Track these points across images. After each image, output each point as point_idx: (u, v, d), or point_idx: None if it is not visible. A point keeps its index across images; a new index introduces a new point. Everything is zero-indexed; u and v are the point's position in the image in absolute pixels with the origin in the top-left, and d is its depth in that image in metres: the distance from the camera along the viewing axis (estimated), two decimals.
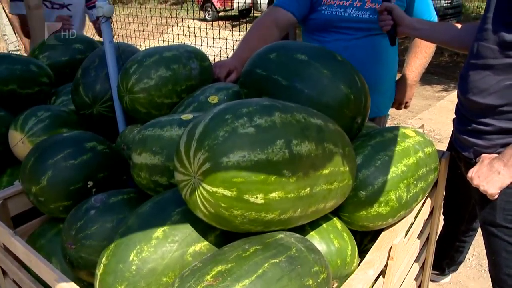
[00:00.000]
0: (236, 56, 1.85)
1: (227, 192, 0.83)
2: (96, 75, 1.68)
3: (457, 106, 1.60)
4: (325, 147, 0.93)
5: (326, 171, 0.93)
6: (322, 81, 1.17)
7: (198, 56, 1.59)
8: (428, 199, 1.50)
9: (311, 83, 1.17)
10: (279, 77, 1.17)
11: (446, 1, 10.73)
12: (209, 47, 4.03)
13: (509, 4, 1.29)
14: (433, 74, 7.02)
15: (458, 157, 1.62)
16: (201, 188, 0.85)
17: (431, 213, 1.62)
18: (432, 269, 1.97)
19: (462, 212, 1.92)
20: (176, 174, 0.92)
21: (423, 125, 5.58)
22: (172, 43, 4.36)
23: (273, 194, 0.84)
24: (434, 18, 2.05)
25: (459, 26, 1.70)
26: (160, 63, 1.49)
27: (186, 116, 1.19)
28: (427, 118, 5.23)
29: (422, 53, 2.12)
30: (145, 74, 1.47)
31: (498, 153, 1.39)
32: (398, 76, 2.21)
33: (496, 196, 1.40)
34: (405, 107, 2.24)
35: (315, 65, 1.20)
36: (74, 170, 1.33)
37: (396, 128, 1.34)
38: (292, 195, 0.87)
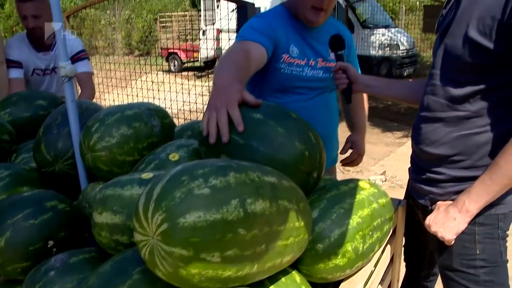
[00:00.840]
0: (233, 79, 1.41)
1: (184, 252, 0.85)
2: (58, 133, 1.69)
3: (412, 156, 1.67)
4: (279, 204, 0.97)
5: (281, 228, 0.97)
6: (277, 139, 1.21)
7: (159, 113, 1.64)
8: (388, 246, 1.54)
9: (266, 141, 1.20)
10: (235, 136, 1.20)
11: (403, 51, 11.26)
12: (172, 101, 4.09)
13: (454, 63, 1.40)
14: (393, 121, 7.28)
15: (415, 204, 1.68)
16: (159, 248, 0.87)
17: (391, 261, 1.66)
18: None
19: (422, 258, 1.96)
20: (135, 234, 0.94)
21: (385, 171, 5.71)
22: (138, 95, 4.41)
23: (229, 252, 0.87)
24: None
25: (412, 80, 1.80)
26: (121, 122, 1.52)
27: (146, 175, 1.21)
28: (389, 164, 5.38)
29: (362, 110, 2.19)
30: (107, 132, 1.50)
31: (453, 200, 1.45)
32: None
33: (453, 242, 1.46)
34: (357, 164, 2.20)
35: (270, 124, 1.24)
36: (34, 230, 1.31)
37: (351, 181, 1.39)
38: (248, 252, 0.90)
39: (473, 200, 1.35)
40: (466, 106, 1.39)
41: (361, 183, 1.37)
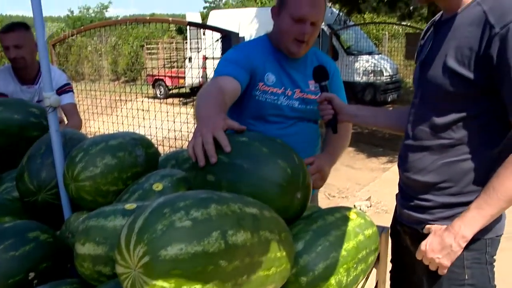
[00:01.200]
0: (215, 109, 1.47)
1: (166, 284, 0.85)
2: (42, 162, 1.69)
3: (399, 183, 1.69)
4: (261, 235, 0.98)
5: (263, 258, 0.98)
6: (260, 156, 1.25)
7: (144, 143, 1.65)
8: (372, 273, 1.56)
9: (250, 159, 1.24)
10: (221, 156, 1.22)
11: (387, 77, 11.46)
12: (158, 129, 4.11)
13: (435, 92, 1.43)
14: (378, 147, 7.35)
15: (404, 230, 1.69)
16: (141, 280, 0.88)
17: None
18: None
19: (410, 285, 1.97)
20: (117, 266, 0.94)
21: (370, 197, 5.73)
22: (123, 123, 4.42)
23: (211, 284, 0.88)
24: None
25: (397, 108, 1.82)
26: (106, 151, 1.53)
27: (129, 206, 1.22)
28: (374, 190, 5.41)
29: (341, 139, 2.02)
30: (91, 162, 1.50)
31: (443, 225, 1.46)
32: None
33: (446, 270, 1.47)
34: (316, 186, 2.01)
35: (255, 144, 1.28)
36: (15, 262, 1.30)
37: (338, 210, 1.40)
38: (229, 284, 0.91)
39: (469, 225, 1.36)
40: (450, 134, 1.42)
41: (348, 213, 1.38)
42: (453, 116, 1.40)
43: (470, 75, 1.31)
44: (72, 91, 3.11)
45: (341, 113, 1.78)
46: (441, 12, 1.55)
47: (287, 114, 1.94)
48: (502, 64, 1.25)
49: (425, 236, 1.50)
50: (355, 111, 1.81)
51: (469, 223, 1.36)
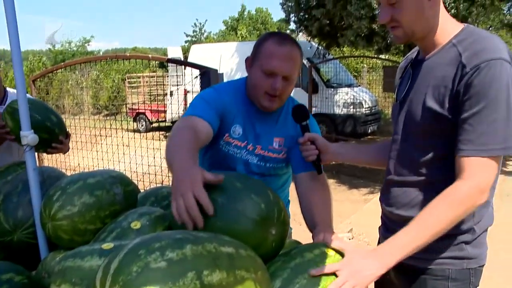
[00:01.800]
0: (189, 159, 1.41)
1: None
2: (18, 201, 1.68)
3: (382, 216, 1.70)
4: (236, 274, 0.99)
5: None
6: (234, 190, 1.28)
7: (122, 181, 1.66)
8: None
9: (224, 193, 1.26)
10: None
11: (366, 109, 11.65)
12: (138, 165, 4.11)
13: (415, 129, 1.47)
14: (359, 178, 7.40)
15: None
16: None
17: None
18: None
19: None
20: None
21: (351, 229, 5.72)
22: (103, 159, 4.40)
23: None
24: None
25: (380, 143, 1.82)
26: (84, 190, 1.53)
27: (107, 245, 1.22)
28: (356, 222, 5.43)
29: (324, 204, 1.75)
30: (68, 201, 1.50)
31: (426, 259, 1.46)
32: None
33: None
34: None
35: (230, 179, 1.30)
36: None
37: (317, 247, 1.40)
38: None
39: (395, 252, 1.32)
40: (431, 170, 1.45)
41: (327, 250, 1.37)
42: (434, 153, 1.43)
43: (447, 113, 1.36)
44: None
45: (326, 152, 1.75)
46: (416, 49, 1.60)
47: (247, 169, 1.87)
48: (465, 103, 1.30)
49: (409, 268, 1.50)
50: (339, 149, 1.79)
51: (396, 250, 1.32)
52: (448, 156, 1.39)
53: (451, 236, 1.41)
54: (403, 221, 1.50)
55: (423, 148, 1.45)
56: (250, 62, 1.81)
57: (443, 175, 1.42)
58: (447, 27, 1.43)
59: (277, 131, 1.86)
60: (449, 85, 1.34)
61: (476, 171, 1.29)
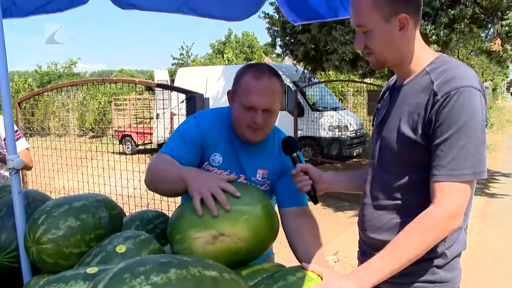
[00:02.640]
0: (196, 169, 1.65)
1: None
2: (2, 225, 1.67)
3: (359, 240, 1.73)
4: None
5: None
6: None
7: (108, 204, 1.66)
8: None
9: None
10: None
11: (352, 132, 11.76)
12: (123, 187, 4.10)
13: (390, 154, 1.50)
14: (344, 201, 7.44)
15: None
16: None
17: None
18: None
19: None
20: None
21: (337, 251, 5.73)
22: (89, 182, 4.37)
23: None
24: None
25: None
26: (69, 214, 1.53)
27: (91, 270, 1.22)
28: (341, 244, 5.44)
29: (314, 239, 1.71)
30: (53, 224, 1.50)
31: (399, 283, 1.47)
32: None
33: None
34: None
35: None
36: None
37: (300, 270, 1.41)
38: None
39: (370, 276, 1.33)
40: (405, 194, 1.48)
41: (310, 273, 1.40)
42: (407, 178, 1.46)
43: (420, 140, 1.39)
44: (22, 135, 3.28)
45: (319, 182, 1.73)
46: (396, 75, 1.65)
47: None
48: (437, 129, 1.34)
49: None
50: (333, 178, 1.79)
51: (370, 274, 1.34)
52: (422, 181, 1.42)
53: (423, 261, 1.42)
54: (377, 245, 1.51)
55: (397, 173, 1.49)
56: (231, 95, 1.81)
57: (416, 199, 1.45)
58: (422, 56, 1.48)
59: (261, 162, 1.85)
60: (422, 112, 1.38)
61: (448, 196, 1.32)
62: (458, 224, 1.35)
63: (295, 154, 1.74)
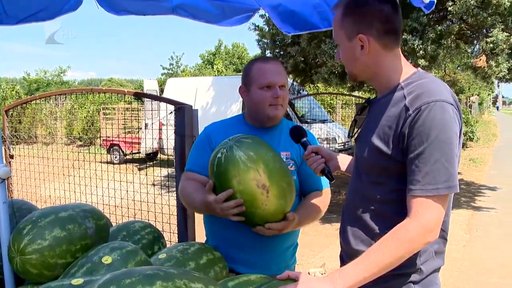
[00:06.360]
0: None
1: None
2: None
3: (340, 251, 1.74)
4: None
5: None
6: None
7: (94, 215, 1.66)
8: None
9: None
10: None
11: (340, 144, 11.82)
12: (111, 198, 4.07)
13: (365, 166, 1.53)
14: (332, 213, 7.44)
15: None
16: None
17: None
18: None
19: None
20: None
21: (324, 263, 5.71)
22: (76, 191, 4.34)
23: None
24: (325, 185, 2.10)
25: None
26: (55, 224, 1.53)
27: (76, 281, 1.22)
28: (328, 256, 5.44)
29: (313, 207, 2.04)
30: (39, 235, 1.49)
31: None
32: None
33: None
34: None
35: None
36: None
37: (287, 283, 1.42)
38: None
39: (344, 280, 1.34)
40: (381, 205, 1.50)
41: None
42: (382, 190, 1.48)
43: (390, 151, 1.42)
44: None
45: (331, 159, 1.83)
46: None
47: None
48: (410, 144, 1.36)
49: None
50: (343, 159, 1.86)
51: (345, 279, 1.34)
52: (395, 192, 1.44)
53: (399, 276, 1.44)
54: (354, 256, 1.53)
55: (372, 184, 1.51)
56: (244, 88, 2.01)
57: (391, 211, 1.46)
58: (399, 71, 1.50)
59: (282, 147, 2.00)
60: (393, 125, 1.41)
61: (423, 210, 1.33)
62: (435, 237, 1.36)
63: (303, 140, 1.85)
